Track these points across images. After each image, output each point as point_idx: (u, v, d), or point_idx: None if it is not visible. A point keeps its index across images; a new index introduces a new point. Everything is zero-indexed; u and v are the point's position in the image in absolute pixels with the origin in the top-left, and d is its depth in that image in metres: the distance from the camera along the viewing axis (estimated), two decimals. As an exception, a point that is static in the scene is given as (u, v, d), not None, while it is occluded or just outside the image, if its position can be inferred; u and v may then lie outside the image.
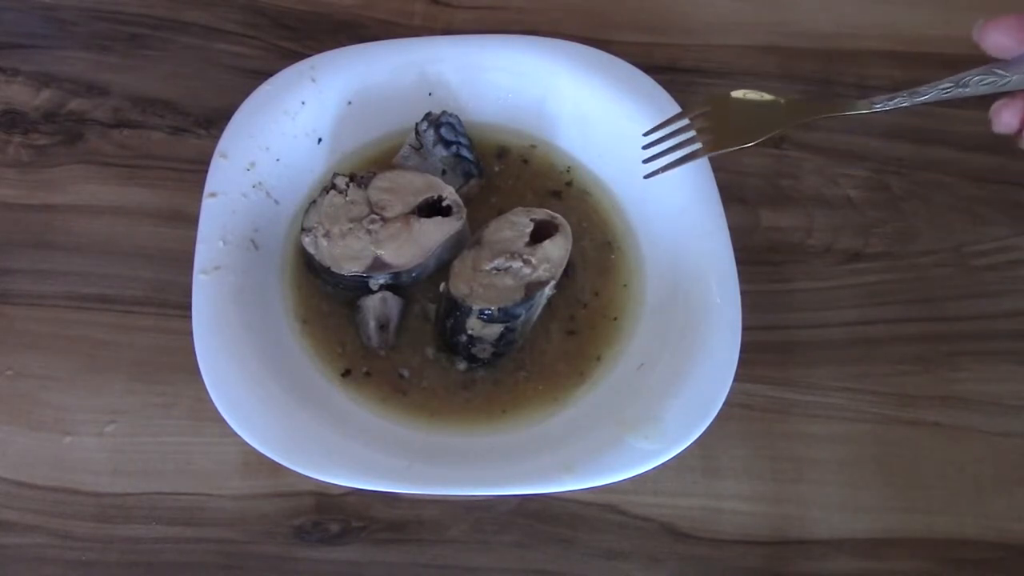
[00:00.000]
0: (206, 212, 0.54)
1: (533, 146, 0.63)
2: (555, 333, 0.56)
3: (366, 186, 0.56)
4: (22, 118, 0.65)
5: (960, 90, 0.42)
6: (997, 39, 0.39)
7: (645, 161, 0.51)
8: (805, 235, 0.62)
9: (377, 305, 0.55)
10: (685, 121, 0.50)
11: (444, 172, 0.59)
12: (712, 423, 0.49)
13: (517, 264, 0.53)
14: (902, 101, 0.44)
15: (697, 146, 0.49)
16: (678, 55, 0.69)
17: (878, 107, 0.45)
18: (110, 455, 0.54)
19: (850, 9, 0.71)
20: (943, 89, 0.42)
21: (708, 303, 0.53)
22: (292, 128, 0.59)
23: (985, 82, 0.41)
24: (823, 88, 0.68)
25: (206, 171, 0.56)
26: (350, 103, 0.60)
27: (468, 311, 0.52)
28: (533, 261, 0.53)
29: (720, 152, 0.48)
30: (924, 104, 0.43)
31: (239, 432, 0.48)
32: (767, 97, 0.48)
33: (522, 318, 0.53)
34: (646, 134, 0.52)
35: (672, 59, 0.69)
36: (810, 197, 0.63)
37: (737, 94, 0.49)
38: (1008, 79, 0.40)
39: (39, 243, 0.60)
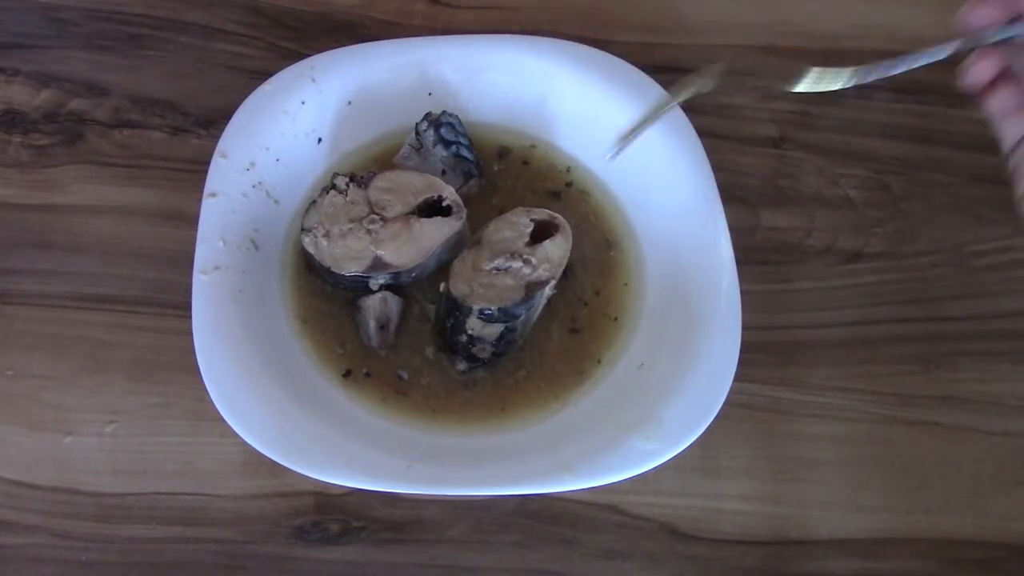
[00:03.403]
0: (206, 212, 0.54)
1: (533, 146, 0.63)
2: (556, 332, 0.56)
3: (366, 186, 0.56)
4: (22, 118, 0.65)
5: (942, 52, 0.44)
6: (982, 13, 0.43)
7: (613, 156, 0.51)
8: (805, 235, 0.62)
9: (377, 305, 0.55)
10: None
11: (444, 172, 0.59)
12: (712, 423, 0.49)
13: (517, 264, 0.53)
14: (887, 69, 0.46)
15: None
16: (678, 55, 0.69)
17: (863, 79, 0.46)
18: (110, 455, 0.54)
19: (850, 9, 0.71)
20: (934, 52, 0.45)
21: (708, 303, 0.53)
22: (292, 128, 0.59)
23: (964, 44, 0.44)
24: (823, 88, 0.68)
25: (206, 171, 0.56)
26: (350, 103, 0.60)
27: (468, 311, 0.52)
28: (533, 261, 0.53)
29: (691, 96, 0.47)
30: (912, 70, 0.45)
31: (239, 432, 0.48)
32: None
33: (522, 318, 0.53)
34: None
35: (672, 59, 0.68)
36: (810, 197, 0.63)
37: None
38: (988, 34, 0.43)
39: (39, 243, 0.60)
